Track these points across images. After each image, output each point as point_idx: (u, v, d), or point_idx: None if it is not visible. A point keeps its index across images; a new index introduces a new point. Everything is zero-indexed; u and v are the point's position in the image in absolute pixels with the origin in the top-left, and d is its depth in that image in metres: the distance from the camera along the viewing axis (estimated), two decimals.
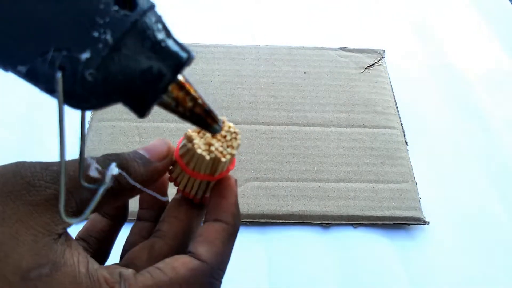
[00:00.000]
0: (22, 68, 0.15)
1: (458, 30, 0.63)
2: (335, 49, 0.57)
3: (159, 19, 0.16)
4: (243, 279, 0.40)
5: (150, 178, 0.22)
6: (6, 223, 0.18)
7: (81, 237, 0.25)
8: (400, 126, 0.50)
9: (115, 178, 0.20)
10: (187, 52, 0.17)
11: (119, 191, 0.21)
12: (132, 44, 0.15)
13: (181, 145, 0.23)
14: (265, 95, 0.52)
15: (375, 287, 0.40)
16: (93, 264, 0.19)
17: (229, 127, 0.22)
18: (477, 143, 0.51)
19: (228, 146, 0.22)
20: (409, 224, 0.43)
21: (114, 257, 0.25)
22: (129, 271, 0.20)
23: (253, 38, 0.59)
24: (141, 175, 0.22)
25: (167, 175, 0.25)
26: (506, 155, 0.50)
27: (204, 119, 0.19)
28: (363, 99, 0.52)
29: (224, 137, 0.22)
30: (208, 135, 0.22)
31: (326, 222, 0.43)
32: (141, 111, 0.17)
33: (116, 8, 0.15)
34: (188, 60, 0.17)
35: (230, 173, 0.24)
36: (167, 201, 0.26)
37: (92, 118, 0.48)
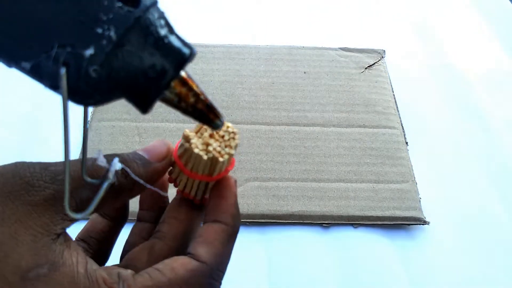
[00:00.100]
0: (26, 65, 0.15)
1: (458, 30, 0.63)
2: (335, 49, 0.57)
3: (161, 15, 0.16)
4: (243, 279, 0.40)
5: (150, 179, 0.22)
6: (6, 223, 0.18)
7: (81, 238, 0.25)
8: (400, 126, 0.50)
9: (116, 177, 0.20)
10: (190, 48, 0.17)
11: (120, 190, 0.21)
12: (135, 40, 0.15)
13: (179, 145, 0.23)
14: (265, 95, 0.52)
15: (375, 287, 0.40)
16: (92, 264, 0.19)
17: (228, 126, 0.22)
18: (477, 143, 0.51)
19: (226, 146, 0.22)
20: (409, 224, 0.43)
21: (114, 258, 0.25)
22: (127, 272, 0.20)
23: (253, 38, 0.58)
24: (141, 176, 0.22)
25: (167, 176, 0.25)
26: (506, 155, 0.50)
27: (206, 114, 0.19)
28: (363, 99, 0.52)
29: (222, 137, 0.22)
30: (206, 134, 0.22)
31: (326, 222, 0.43)
32: (144, 106, 0.17)
33: (119, 4, 0.15)
34: (191, 56, 0.17)
35: (230, 173, 0.24)
36: (167, 202, 0.26)
37: (92, 118, 0.48)
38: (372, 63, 0.56)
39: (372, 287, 0.40)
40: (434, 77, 0.57)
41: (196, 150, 0.21)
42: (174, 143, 0.24)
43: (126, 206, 0.27)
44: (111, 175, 0.20)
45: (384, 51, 0.57)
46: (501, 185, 0.47)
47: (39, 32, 0.15)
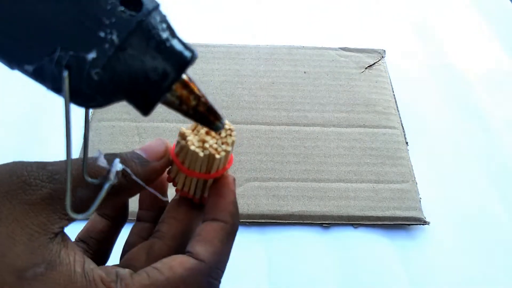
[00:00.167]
0: (29, 67, 0.16)
1: (458, 30, 0.63)
2: (335, 49, 0.57)
3: (163, 19, 0.16)
4: (243, 279, 0.39)
5: (148, 178, 0.22)
6: (2, 222, 0.18)
7: (81, 239, 0.25)
8: (401, 126, 0.50)
9: (107, 179, 0.20)
10: (191, 51, 0.17)
11: (118, 190, 0.21)
12: (137, 43, 0.16)
13: (175, 143, 0.23)
14: (265, 95, 0.52)
15: (375, 287, 0.40)
16: (89, 263, 0.19)
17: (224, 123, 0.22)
18: (477, 143, 0.51)
19: (222, 143, 0.22)
20: (409, 224, 0.43)
21: (114, 258, 0.25)
22: (125, 271, 0.20)
23: (253, 38, 0.58)
24: (139, 175, 0.22)
25: (166, 175, 0.25)
26: (506, 155, 0.50)
27: (207, 117, 0.19)
28: (363, 99, 0.52)
29: (219, 134, 0.22)
30: (202, 132, 0.22)
31: (326, 222, 0.43)
32: (145, 109, 0.17)
33: (122, 8, 0.15)
34: (192, 59, 0.17)
35: (230, 172, 0.24)
36: (167, 201, 0.26)
37: (92, 118, 0.48)
38: (372, 63, 0.56)
39: (372, 287, 0.40)
40: (434, 77, 0.57)
41: (192, 147, 0.21)
42: (174, 142, 0.24)
43: (125, 206, 0.26)
44: (112, 176, 0.20)
45: (384, 51, 0.57)
46: (501, 185, 0.47)
47: (42, 35, 0.15)
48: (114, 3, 0.15)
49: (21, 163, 0.19)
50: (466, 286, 0.40)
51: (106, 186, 0.20)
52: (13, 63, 0.16)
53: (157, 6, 0.16)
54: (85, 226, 0.25)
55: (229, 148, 0.22)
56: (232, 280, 0.38)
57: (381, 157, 0.47)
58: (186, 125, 0.22)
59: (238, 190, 0.44)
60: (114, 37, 0.15)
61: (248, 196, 0.43)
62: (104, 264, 0.25)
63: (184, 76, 0.17)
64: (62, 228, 0.19)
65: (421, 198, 0.45)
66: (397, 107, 0.52)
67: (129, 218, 0.27)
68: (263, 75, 0.54)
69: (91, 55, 0.15)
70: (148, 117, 0.47)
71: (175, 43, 0.16)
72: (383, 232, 0.43)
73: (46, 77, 0.16)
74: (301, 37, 0.59)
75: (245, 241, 0.42)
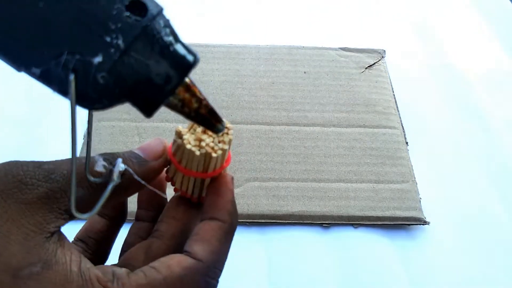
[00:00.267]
0: (37, 70, 0.16)
1: (458, 30, 0.63)
2: (335, 49, 0.57)
3: (167, 23, 0.17)
4: (243, 279, 0.39)
5: (146, 178, 0.22)
6: None
7: (79, 238, 0.25)
8: (401, 126, 0.50)
9: (108, 178, 0.20)
10: (193, 55, 0.17)
11: (116, 190, 0.21)
12: (142, 48, 0.16)
13: (172, 141, 0.23)
14: (265, 95, 0.52)
15: (375, 287, 0.40)
16: (86, 263, 0.19)
17: None
18: (477, 143, 0.51)
19: (219, 142, 0.22)
20: (409, 224, 0.43)
21: (113, 258, 0.25)
22: (122, 270, 0.20)
23: (253, 38, 0.58)
24: (137, 174, 0.22)
25: (165, 174, 0.25)
26: (506, 155, 0.50)
27: (209, 119, 0.19)
28: (364, 99, 0.52)
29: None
30: (199, 130, 0.22)
31: (326, 222, 0.43)
32: (149, 111, 0.18)
33: (127, 14, 0.16)
34: (195, 63, 0.17)
35: (229, 172, 0.24)
36: (166, 201, 0.26)
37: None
38: (372, 63, 0.56)
39: (372, 287, 0.40)
40: (434, 77, 0.57)
41: (188, 146, 0.21)
42: None
43: (124, 206, 0.26)
44: (115, 176, 0.20)
45: (384, 51, 0.57)
46: (501, 185, 0.47)
47: (50, 39, 0.16)
48: (120, 9, 0.16)
49: (17, 162, 0.19)
50: (466, 286, 0.40)
51: (110, 187, 0.20)
52: (21, 66, 0.16)
53: (161, 11, 0.17)
54: (83, 225, 0.25)
55: (226, 147, 0.22)
56: (232, 280, 0.38)
57: (381, 157, 0.47)
58: (185, 125, 0.22)
59: (238, 190, 0.43)
60: (120, 41, 0.16)
61: (248, 196, 0.43)
62: (103, 264, 0.25)
63: (186, 80, 0.18)
64: (59, 227, 0.19)
65: (421, 198, 0.44)
66: (397, 107, 0.52)
67: (128, 217, 0.27)
68: (263, 75, 0.54)
69: (97, 59, 0.16)
70: None
71: (178, 47, 0.17)
72: (383, 232, 0.43)
73: (53, 80, 0.16)
74: (301, 37, 0.59)
75: (245, 241, 0.42)
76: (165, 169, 0.24)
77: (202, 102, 0.19)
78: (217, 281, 0.21)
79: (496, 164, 0.49)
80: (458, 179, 0.47)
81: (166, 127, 0.48)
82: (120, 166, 0.20)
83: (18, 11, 0.15)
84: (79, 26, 0.15)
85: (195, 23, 0.61)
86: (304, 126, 0.49)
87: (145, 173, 0.22)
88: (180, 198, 0.24)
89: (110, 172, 0.20)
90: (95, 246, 0.25)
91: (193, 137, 0.22)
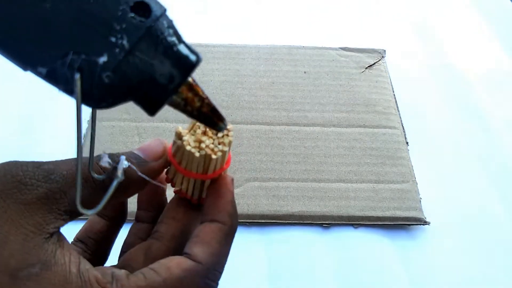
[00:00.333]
0: (43, 70, 0.16)
1: (458, 30, 0.63)
2: (335, 49, 0.57)
3: (170, 24, 0.17)
4: (243, 279, 0.39)
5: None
6: None
7: (79, 239, 0.25)
8: (401, 126, 0.50)
9: (111, 175, 0.20)
10: (196, 55, 0.18)
11: (117, 190, 0.21)
12: (146, 48, 0.17)
13: (172, 143, 0.23)
14: (265, 95, 0.52)
15: (375, 287, 0.40)
16: (85, 264, 0.19)
17: None
18: (477, 143, 0.51)
19: (219, 143, 0.22)
20: (409, 225, 0.43)
21: (113, 259, 0.25)
22: (121, 271, 0.20)
23: (253, 38, 0.58)
24: (136, 175, 0.21)
25: (165, 175, 0.25)
26: (506, 155, 0.50)
27: (211, 117, 0.19)
28: (364, 99, 0.52)
29: (216, 133, 0.22)
30: (199, 132, 0.22)
31: (327, 222, 0.43)
32: (152, 110, 0.18)
33: (132, 14, 0.16)
34: (197, 62, 0.18)
35: (230, 173, 0.24)
36: (166, 202, 0.26)
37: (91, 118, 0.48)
38: (373, 63, 0.56)
39: (372, 287, 0.40)
40: (434, 77, 0.57)
41: (188, 147, 0.21)
42: None
43: (124, 206, 0.26)
44: (120, 173, 0.20)
45: (385, 51, 0.57)
46: (501, 185, 0.47)
47: (56, 39, 0.16)
48: (125, 10, 0.16)
49: (16, 162, 0.19)
50: (466, 286, 0.40)
51: (115, 183, 0.20)
52: (27, 65, 0.17)
53: (164, 12, 0.17)
54: (83, 226, 0.25)
55: (225, 149, 0.22)
56: (232, 280, 0.38)
57: (381, 157, 0.47)
58: (184, 125, 0.22)
59: (238, 190, 0.43)
60: (125, 42, 0.16)
61: (248, 196, 0.43)
62: (103, 265, 0.25)
63: (189, 79, 0.18)
64: (58, 228, 0.19)
65: (421, 198, 0.44)
66: (397, 107, 0.52)
67: (128, 218, 0.26)
68: (263, 75, 0.53)
69: (102, 59, 0.16)
70: (148, 117, 0.47)
71: (181, 47, 0.17)
72: (383, 232, 0.43)
73: (59, 79, 0.17)
74: (301, 37, 0.59)
75: (245, 241, 0.42)
76: (165, 170, 0.24)
77: (204, 101, 0.19)
78: (217, 284, 0.21)
79: (496, 164, 0.49)
80: (458, 179, 0.47)
81: (166, 127, 0.48)
82: (124, 163, 0.21)
83: (25, 11, 0.16)
84: (85, 26, 0.16)
85: (195, 23, 0.61)
86: (304, 126, 0.49)
87: (145, 174, 0.22)
88: (180, 199, 0.24)
89: (113, 169, 0.20)
90: (95, 247, 0.25)
91: (193, 139, 0.22)
